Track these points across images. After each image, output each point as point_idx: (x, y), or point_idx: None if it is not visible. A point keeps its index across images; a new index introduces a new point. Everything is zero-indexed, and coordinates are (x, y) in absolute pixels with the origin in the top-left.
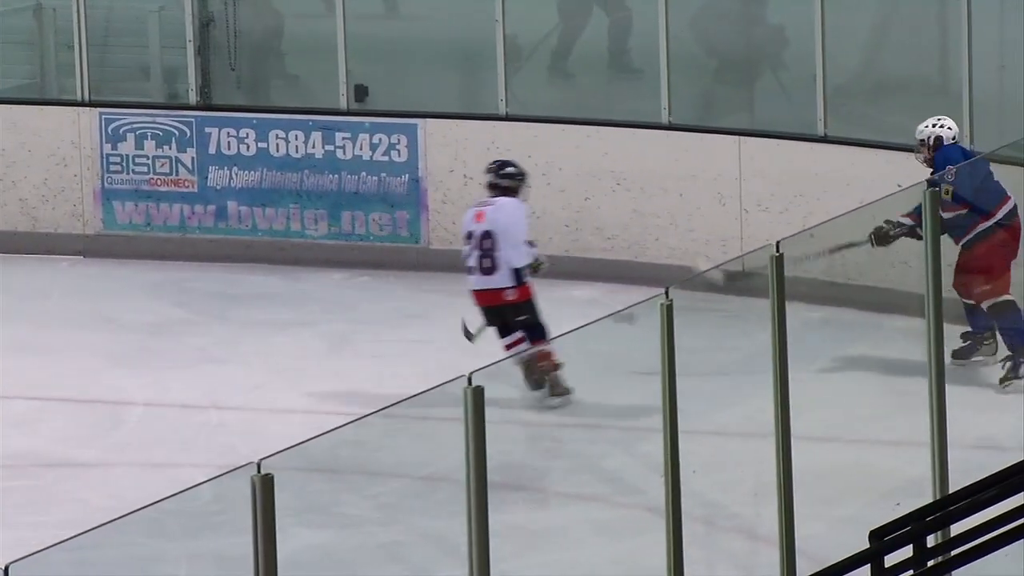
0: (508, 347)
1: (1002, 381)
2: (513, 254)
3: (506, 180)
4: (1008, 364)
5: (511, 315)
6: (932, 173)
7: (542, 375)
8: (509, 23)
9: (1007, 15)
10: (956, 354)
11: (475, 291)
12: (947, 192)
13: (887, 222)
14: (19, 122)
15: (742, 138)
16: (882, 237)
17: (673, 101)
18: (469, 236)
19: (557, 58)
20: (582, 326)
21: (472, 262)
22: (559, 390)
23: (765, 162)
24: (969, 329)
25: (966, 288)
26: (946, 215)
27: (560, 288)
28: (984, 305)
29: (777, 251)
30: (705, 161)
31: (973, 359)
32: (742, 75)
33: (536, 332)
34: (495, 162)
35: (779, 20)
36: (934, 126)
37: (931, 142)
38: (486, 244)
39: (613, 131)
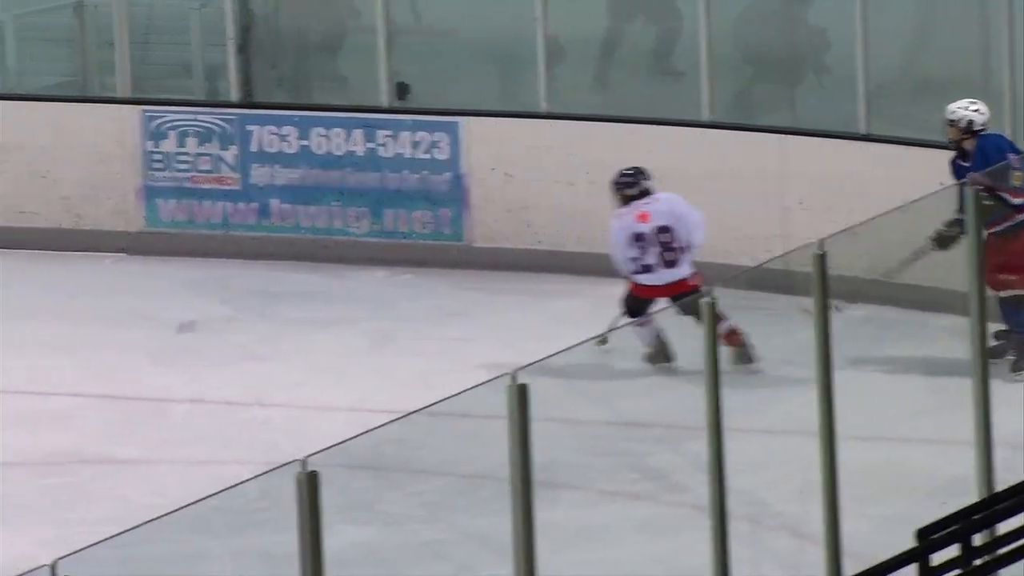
0: (638, 325)
1: (1013, 369)
2: (696, 235)
3: (651, 181)
4: (1017, 355)
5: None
6: (964, 158)
7: (738, 348)
8: (549, 21)
9: None
10: (989, 353)
11: (656, 286)
12: (1019, 179)
13: (946, 224)
14: (61, 120)
15: (784, 136)
16: (944, 240)
17: (714, 100)
18: (638, 238)
19: (601, 58)
20: (625, 324)
21: (651, 259)
22: (753, 355)
23: (807, 160)
24: (1003, 328)
25: (993, 278)
26: (1016, 200)
27: (606, 286)
28: (1001, 295)
29: (820, 250)
30: (746, 159)
31: (1007, 357)
32: (783, 74)
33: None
34: (632, 169)
35: (820, 19)
36: (967, 108)
37: (963, 124)
38: (664, 238)
39: (654, 129)
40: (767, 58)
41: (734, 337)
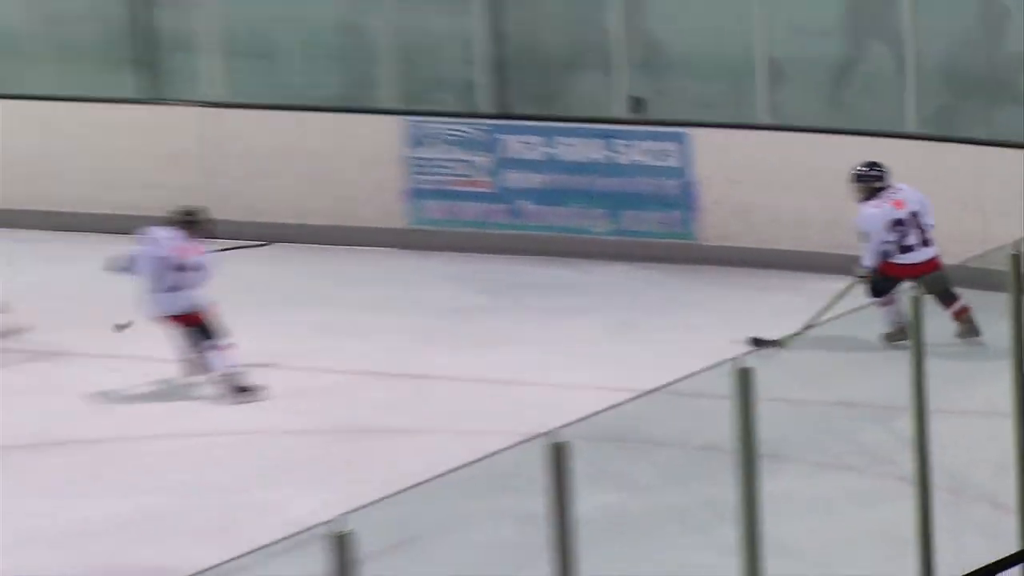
0: (883, 305)
1: None
2: (931, 218)
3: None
4: None
5: (941, 277)
6: None
7: (966, 323)
8: (768, 39)
9: None
10: None
11: (915, 264)
12: None
13: None
14: (337, 129)
15: (983, 148)
16: None
17: (917, 113)
18: (898, 223)
19: (834, 76)
20: (844, 313)
21: (912, 240)
22: (978, 329)
23: (1004, 170)
24: None
25: None
26: None
27: (819, 281)
28: None
29: (1015, 250)
30: (950, 169)
31: None
32: (984, 92)
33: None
34: (871, 164)
35: (1019, 43)
36: None
37: None
38: (916, 221)
39: (866, 140)
40: (970, 77)
41: (964, 313)
